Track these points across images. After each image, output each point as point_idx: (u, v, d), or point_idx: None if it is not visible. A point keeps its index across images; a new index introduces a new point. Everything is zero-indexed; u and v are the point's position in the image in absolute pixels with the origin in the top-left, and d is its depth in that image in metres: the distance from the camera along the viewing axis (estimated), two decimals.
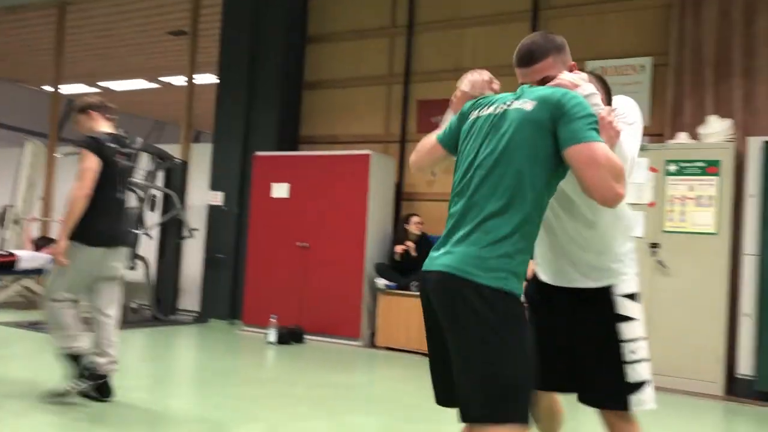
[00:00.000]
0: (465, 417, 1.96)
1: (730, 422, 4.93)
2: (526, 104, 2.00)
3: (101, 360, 3.97)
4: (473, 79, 2.35)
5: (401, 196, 7.83)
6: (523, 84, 2.18)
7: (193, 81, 9.20)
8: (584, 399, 2.37)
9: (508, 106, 2.05)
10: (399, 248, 7.00)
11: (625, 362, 2.26)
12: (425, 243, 7.10)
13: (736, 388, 5.48)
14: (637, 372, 2.26)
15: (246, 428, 3.81)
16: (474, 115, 2.15)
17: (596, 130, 1.94)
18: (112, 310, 4.13)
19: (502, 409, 1.89)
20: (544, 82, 2.15)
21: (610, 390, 2.28)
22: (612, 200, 1.89)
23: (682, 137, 5.92)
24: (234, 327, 7.85)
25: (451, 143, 2.23)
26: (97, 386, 3.95)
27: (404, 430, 4.01)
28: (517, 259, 1.94)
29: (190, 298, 8.73)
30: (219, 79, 8.52)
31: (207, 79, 10.22)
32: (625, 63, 6.69)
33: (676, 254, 5.64)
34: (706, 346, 5.50)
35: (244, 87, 8.26)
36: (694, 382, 5.51)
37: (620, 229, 2.34)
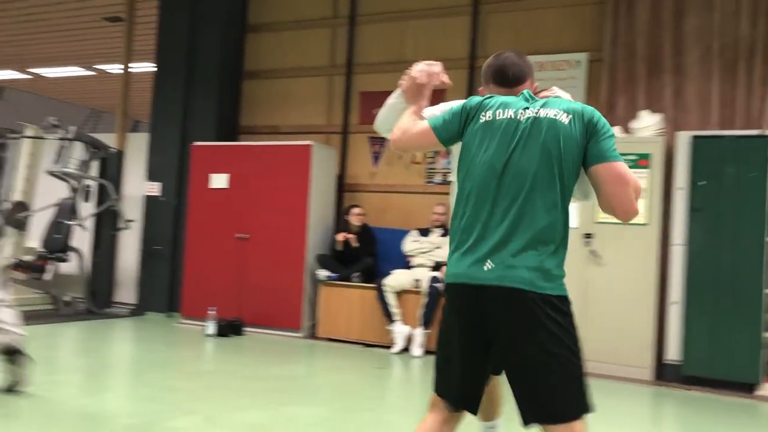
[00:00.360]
0: (549, 418, 1.99)
1: (658, 406, 5.12)
2: (561, 116, 2.04)
3: (4, 338, 3.82)
4: (426, 69, 2.40)
5: (343, 187, 7.82)
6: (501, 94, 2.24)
7: (130, 69, 8.95)
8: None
9: (536, 114, 2.07)
10: (340, 236, 7.00)
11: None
12: (367, 234, 7.12)
13: (664, 373, 5.69)
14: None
15: (180, 421, 3.75)
16: (486, 116, 2.13)
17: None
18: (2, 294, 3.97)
19: (584, 403, 2.00)
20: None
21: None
22: (632, 216, 2.07)
23: (616, 131, 6.06)
24: (172, 320, 7.71)
25: (447, 136, 2.23)
26: (10, 359, 3.83)
27: (343, 419, 4.02)
28: (564, 265, 2.06)
29: (126, 291, 8.53)
30: (156, 67, 8.32)
31: (145, 67, 9.96)
32: (561, 58, 6.84)
33: (608, 244, 5.81)
34: (636, 333, 5.69)
35: (182, 76, 8.09)
36: (626, 368, 5.70)
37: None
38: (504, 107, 2.13)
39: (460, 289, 2.09)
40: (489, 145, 2.09)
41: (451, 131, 2.22)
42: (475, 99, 2.22)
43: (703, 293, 5.48)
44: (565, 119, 2.04)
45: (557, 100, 2.12)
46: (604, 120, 2.08)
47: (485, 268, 2.01)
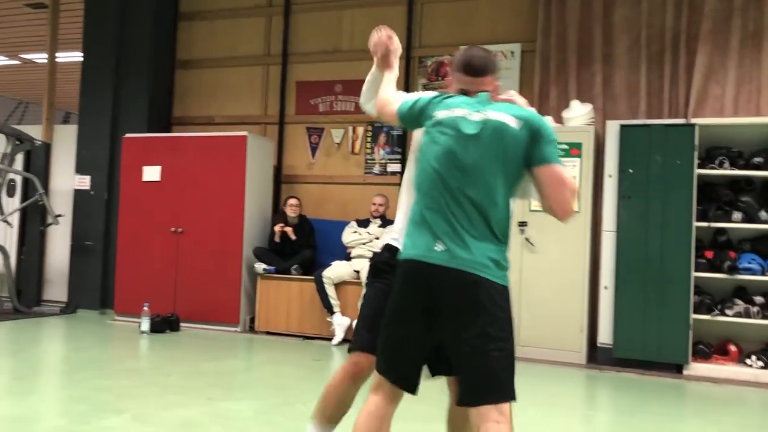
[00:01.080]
0: (480, 400, 2.09)
1: (591, 388, 5.25)
2: (510, 120, 2.19)
3: None
4: (375, 41, 2.75)
5: (281, 178, 7.73)
6: (461, 90, 2.40)
7: (56, 58, 8.62)
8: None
9: (486, 115, 2.22)
10: (277, 227, 6.90)
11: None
12: (305, 225, 7.05)
13: (597, 356, 5.85)
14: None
15: (109, 421, 3.64)
16: (442, 114, 2.28)
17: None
18: None
19: (514, 390, 2.13)
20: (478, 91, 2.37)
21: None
22: (569, 215, 2.21)
23: (548, 121, 6.18)
24: (105, 317, 7.49)
25: (408, 124, 2.47)
26: None
27: (280, 413, 3.97)
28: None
29: (56, 289, 8.25)
30: (83, 56, 8.03)
31: (72, 56, 9.60)
32: (495, 49, 6.89)
33: (541, 232, 5.92)
34: (570, 318, 5.82)
35: (111, 65, 7.85)
36: (560, 352, 5.83)
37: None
38: (459, 106, 2.28)
39: (411, 266, 2.20)
40: (443, 140, 2.23)
41: (412, 122, 2.45)
42: (438, 96, 2.39)
43: (633, 278, 5.63)
44: (513, 123, 2.18)
45: (509, 105, 2.27)
46: (549, 127, 2.23)
47: (438, 249, 2.14)
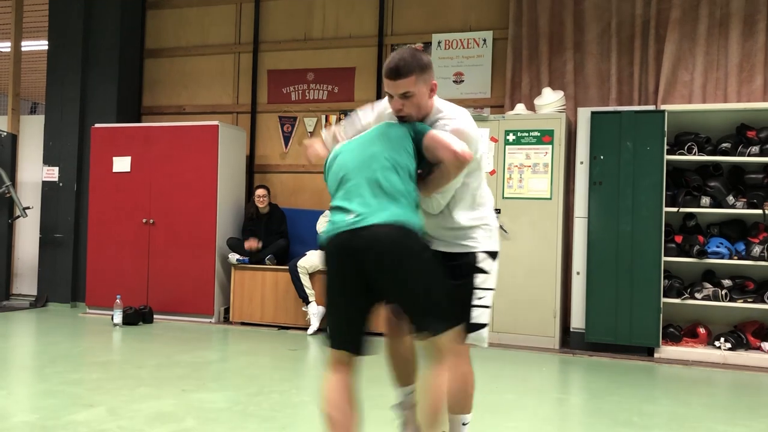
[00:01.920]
0: (435, 331, 2.40)
1: (563, 371, 5.32)
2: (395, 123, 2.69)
3: None
4: (325, 139, 2.84)
5: (254, 168, 7.68)
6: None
7: (21, 47, 8.43)
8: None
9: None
10: (248, 245, 6.81)
11: (474, 305, 2.67)
12: (276, 213, 7.01)
13: (570, 341, 5.92)
14: (480, 315, 2.68)
15: (81, 415, 3.60)
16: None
17: None
18: None
19: (453, 320, 2.47)
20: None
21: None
22: (462, 158, 2.46)
23: (520, 108, 6.22)
24: (76, 310, 7.40)
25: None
26: None
27: (255, 403, 3.96)
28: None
29: (26, 282, 8.13)
30: (49, 45, 7.87)
31: (38, 45, 9.40)
32: (468, 36, 6.91)
33: (514, 219, 5.95)
34: (543, 303, 5.88)
35: (77, 54, 7.70)
36: (533, 337, 5.89)
37: (465, 214, 2.71)
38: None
39: (336, 239, 2.41)
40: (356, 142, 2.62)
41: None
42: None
43: (605, 263, 5.70)
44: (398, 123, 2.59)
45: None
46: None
47: (348, 218, 2.40)
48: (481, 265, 2.69)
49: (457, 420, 2.76)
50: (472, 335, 2.67)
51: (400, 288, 2.40)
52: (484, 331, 2.70)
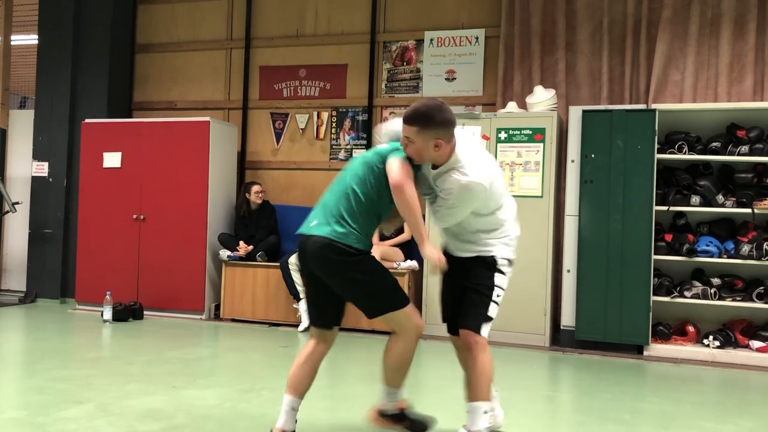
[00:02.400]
0: (369, 316, 3.11)
1: (553, 369, 5.34)
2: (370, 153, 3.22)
3: None
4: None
5: (245, 164, 7.66)
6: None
7: (10, 41, 8.36)
8: (456, 326, 3.19)
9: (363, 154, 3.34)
10: (241, 250, 6.80)
11: (491, 300, 3.09)
12: (266, 209, 6.99)
13: (560, 339, 5.94)
14: (493, 309, 3.10)
15: (71, 411, 3.58)
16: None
17: None
18: None
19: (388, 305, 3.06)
20: (407, 139, 2.95)
21: (476, 316, 3.09)
22: (397, 185, 2.90)
23: (512, 106, 6.23)
24: (66, 306, 7.36)
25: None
26: None
27: (245, 399, 3.95)
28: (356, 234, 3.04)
29: (14, 278, 8.09)
30: (39, 39, 7.82)
31: (28, 39, 9.33)
32: (460, 34, 6.91)
33: None
34: (533, 301, 5.89)
35: (68, 49, 7.64)
36: (524, 335, 5.91)
37: (484, 226, 3.14)
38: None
39: (297, 237, 3.12)
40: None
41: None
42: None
43: (595, 261, 5.72)
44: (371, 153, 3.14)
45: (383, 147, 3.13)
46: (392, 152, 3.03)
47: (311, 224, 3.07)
48: (499, 266, 3.12)
49: (477, 408, 3.04)
50: (483, 326, 3.07)
51: (330, 283, 3.04)
52: (490, 324, 3.11)
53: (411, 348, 3.09)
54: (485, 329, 3.08)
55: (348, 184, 3.05)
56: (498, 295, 3.11)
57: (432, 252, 2.99)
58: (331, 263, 2.96)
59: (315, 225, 3.02)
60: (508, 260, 3.17)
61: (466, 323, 3.09)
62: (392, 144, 3.10)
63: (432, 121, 2.89)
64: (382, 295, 3.06)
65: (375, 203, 3.04)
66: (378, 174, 3.01)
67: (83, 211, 7.24)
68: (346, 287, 3.04)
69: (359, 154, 3.24)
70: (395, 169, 2.91)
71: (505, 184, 3.27)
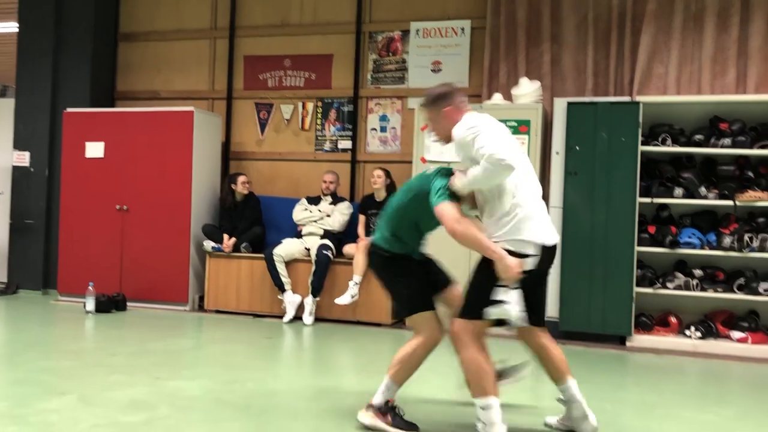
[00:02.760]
0: (396, 315, 3.59)
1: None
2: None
3: None
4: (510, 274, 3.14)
5: (229, 155, 7.61)
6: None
7: None
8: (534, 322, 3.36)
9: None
10: (226, 248, 6.76)
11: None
12: (251, 200, 6.96)
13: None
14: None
15: (52, 403, 3.55)
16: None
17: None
18: None
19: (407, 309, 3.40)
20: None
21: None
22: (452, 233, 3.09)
23: (497, 98, 6.23)
24: (48, 297, 7.30)
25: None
26: None
27: (229, 391, 3.94)
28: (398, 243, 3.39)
29: None
30: (19, 27, 7.70)
31: (8, 27, 9.21)
32: (446, 25, 6.89)
33: None
34: None
35: (49, 36, 7.54)
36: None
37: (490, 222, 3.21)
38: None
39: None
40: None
41: None
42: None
43: (579, 253, 5.75)
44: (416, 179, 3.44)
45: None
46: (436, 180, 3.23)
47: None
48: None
49: (477, 404, 3.12)
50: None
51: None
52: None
53: (420, 353, 3.26)
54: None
55: (395, 200, 3.45)
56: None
57: (508, 260, 2.99)
58: (373, 264, 3.48)
59: (376, 234, 3.52)
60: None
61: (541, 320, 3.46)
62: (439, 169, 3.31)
63: (430, 96, 3.30)
64: (401, 297, 3.40)
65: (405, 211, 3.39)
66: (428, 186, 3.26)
67: (65, 202, 7.17)
68: (383, 285, 3.47)
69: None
70: (444, 218, 3.10)
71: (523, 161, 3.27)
